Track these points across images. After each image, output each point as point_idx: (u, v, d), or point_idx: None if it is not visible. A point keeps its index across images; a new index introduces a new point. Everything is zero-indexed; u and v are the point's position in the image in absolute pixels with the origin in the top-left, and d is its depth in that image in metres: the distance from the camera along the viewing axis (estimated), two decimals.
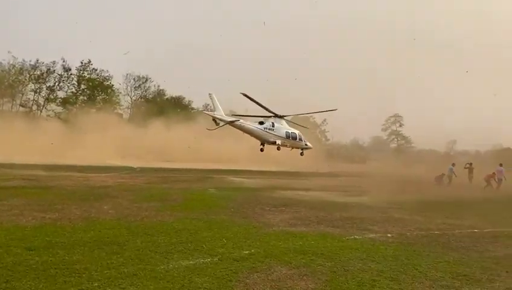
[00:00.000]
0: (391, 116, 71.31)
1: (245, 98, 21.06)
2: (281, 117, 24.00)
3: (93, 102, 56.70)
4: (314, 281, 5.93)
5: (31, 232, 8.09)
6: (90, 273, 5.80)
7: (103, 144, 39.09)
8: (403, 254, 7.65)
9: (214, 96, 22.75)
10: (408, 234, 9.83)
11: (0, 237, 7.58)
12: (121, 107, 62.18)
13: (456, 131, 50.34)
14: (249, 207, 12.96)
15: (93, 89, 58.26)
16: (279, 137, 23.30)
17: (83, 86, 58.09)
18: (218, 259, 6.75)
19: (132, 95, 63.36)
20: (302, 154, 26.20)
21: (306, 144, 25.54)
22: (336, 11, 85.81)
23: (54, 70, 55.97)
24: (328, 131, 66.03)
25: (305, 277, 6.10)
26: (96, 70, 58.89)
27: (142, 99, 63.49)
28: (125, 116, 61.90)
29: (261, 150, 23.88)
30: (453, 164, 28.87)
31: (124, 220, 9.75)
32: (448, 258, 7.57)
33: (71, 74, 57.23)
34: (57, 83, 56.42)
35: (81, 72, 58.07)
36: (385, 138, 73.95)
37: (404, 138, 72.55)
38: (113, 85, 60.07)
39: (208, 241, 7.97)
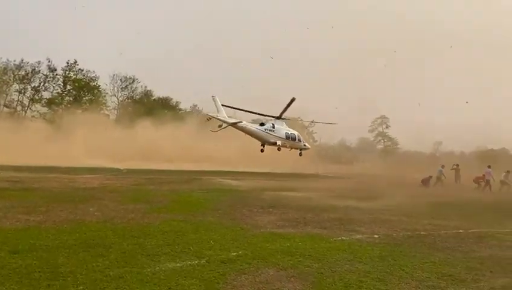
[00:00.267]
0: (378, 118, 71.85)
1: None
2: (281, 119, 24.57)
3: (79, 103, 55.87)
4: (301, 283, 5.93)
5: (14, 235, 7.94)
6: (75, 276, 5.71)
7: (89, 145, 38.63)
8: (390, 255, 7.71)
9: (217, 98, 23.37)
10: (394, 234, 9.91)
11: None
12: (108, 108, 61.46)
13: (441, 132, 50.98)
14: (236, 209, 12.93)
15: (80, 90, 57.37)
16: (280, 138, 23.87)
17: (68, 87, 57.19)
18: (206, 261, 6.71)
19: (119, 95, 62.66)
20: (300, 154, 26.76)
21: (305, 145, 26.26)
22: (320, 11, 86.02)
23: (39, 71, 55.01)
24: (316, 132, 66.26)
25: (292, 279, 6.10)
26: (82, 70, 58.07)
27: (129, 100, 62.85)
28: (112, 117, 61.23)
29: (261, 150, 24.49)
30: (443, 166, 29.24)
31: (110, 222, 9.65)
32: (434, 258, 7.65)
33: (57, 74, 56.35)
34: (42, 84, 55.46)
35: (67, 72, 57.24)
36: (372, 139, 74.53)
37: (390, 139, 73.16)
38: (99, 86, 59.27)
39: (195, 243, 7.92)
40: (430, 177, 28.60)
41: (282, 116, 24.21)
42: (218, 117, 22.78)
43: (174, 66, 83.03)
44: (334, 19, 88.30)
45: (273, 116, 24.08)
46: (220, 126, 23.07)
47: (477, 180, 27.88)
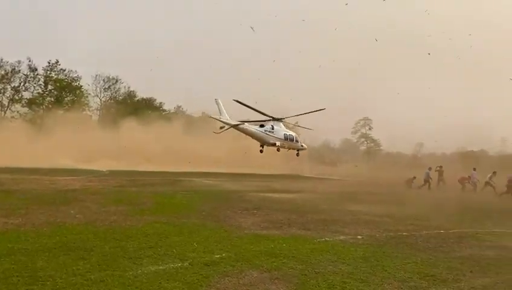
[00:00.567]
0: (361, 119, 72.50)
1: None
2: (279, 120, 25.09)
3: (61, 103, 55.00)
4: (285, 285, 5.93)
5: None
6: (55, 280, 5.58)
7: (71, 146, 38.05)
8: (373, 256, 7.77)
9: (219, 101, 24.04)
10: (377, 235, 10.00)
11: None
12: (90, 109, 60.66)
13: (423, 133, 51.61)
14: (220, 210, 12.87)
15: (61, 90, 56.44)
16: (279, 139, 24.67)
17: (50, 87, 56.20)
18: (189, 264, 6.65)
19: (102, 96, 61.89)
20: (297, 154, 28.12)
21: (302, 145, 27.24)
22: (307, 11, 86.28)
23: (19, 70, 53.96)
24: (300, 133, 66.56)
25: (276, 280, 6.08)
26: (64, 70, 57.13)
27: (112, 101, 62.11)
28: (95, 117, 60.47)
29: (261, 151, 25.13)
30: (430, 168, 29.60)
31: (91, 225, 9.49)
32: (416, 259, 7.73)
33: (37, 74, 55.33)
34: (22, 83, 54.34)
35: (49, 72, 56.22)
36: (355, 140, 75.21)
37: (373, 140, 73.92)
38: (81, 86, 58.44)
39: (178, 245, 7.84)
40: (414, 178, 29.03)
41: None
42: (221, 119, 23.63)
43: (158, 65, 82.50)
44: (319, 19, 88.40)
45: (272, 117, 24.71)
46: (221, 128, 23.84)
47: (462, 181, 28.41)
